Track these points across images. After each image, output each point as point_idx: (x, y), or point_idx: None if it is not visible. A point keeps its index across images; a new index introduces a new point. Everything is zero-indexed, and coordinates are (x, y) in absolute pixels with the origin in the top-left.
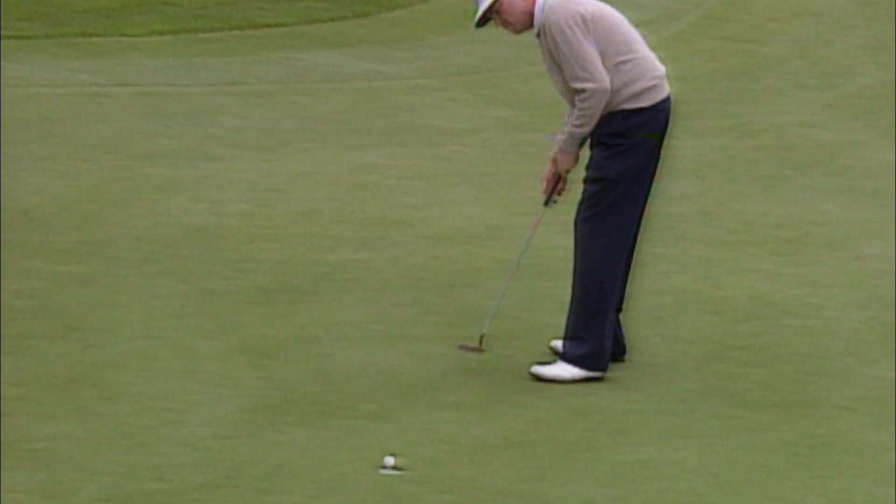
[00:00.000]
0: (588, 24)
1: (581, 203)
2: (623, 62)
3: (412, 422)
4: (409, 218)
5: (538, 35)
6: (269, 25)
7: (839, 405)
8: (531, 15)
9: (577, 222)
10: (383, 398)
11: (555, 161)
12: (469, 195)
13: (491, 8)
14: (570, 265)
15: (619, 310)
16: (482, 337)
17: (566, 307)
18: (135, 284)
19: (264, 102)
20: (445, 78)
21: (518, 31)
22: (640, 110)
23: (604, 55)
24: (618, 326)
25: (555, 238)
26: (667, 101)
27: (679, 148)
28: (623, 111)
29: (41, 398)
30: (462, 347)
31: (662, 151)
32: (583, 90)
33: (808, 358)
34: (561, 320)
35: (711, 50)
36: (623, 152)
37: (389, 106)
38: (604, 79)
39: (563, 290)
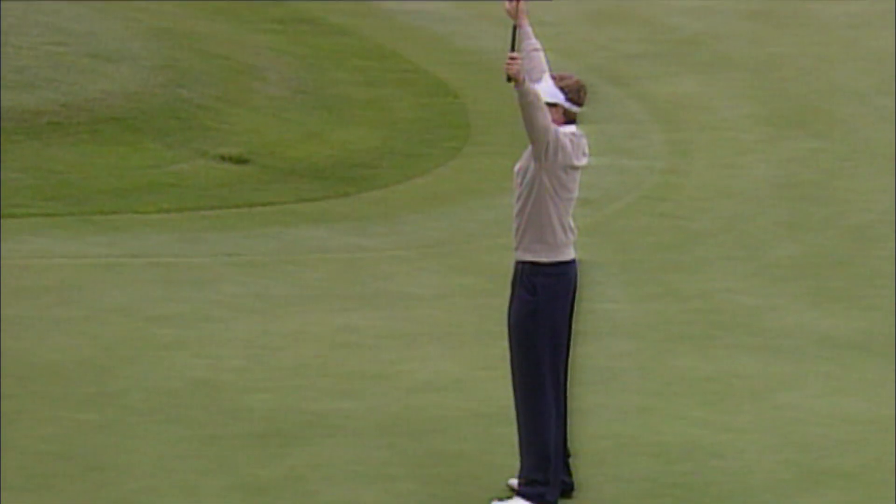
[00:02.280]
0: (569, 152)
1: (511, 360)
2: (566, 219)
3: None
4: (384, 372)
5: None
6: (262, 204)
7: None
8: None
9: (512, 376)
10: None
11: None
12: (437, 352)
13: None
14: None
15: (567, 455)
16: None
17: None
18: (145, 430)
19: (259, 271)
20: (417, 249)
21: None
22: (553, 265)
23: (559, 196)
24: (566, 469)
25: (510, 389)
26: (574, 262)
27: (620, 311)
28: (534, 264)
29: None
30: None
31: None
32: None
33: (733, 494)
34: (516, 462)
35: (648, 226)
36: (535, 310)
37: (368, 274)
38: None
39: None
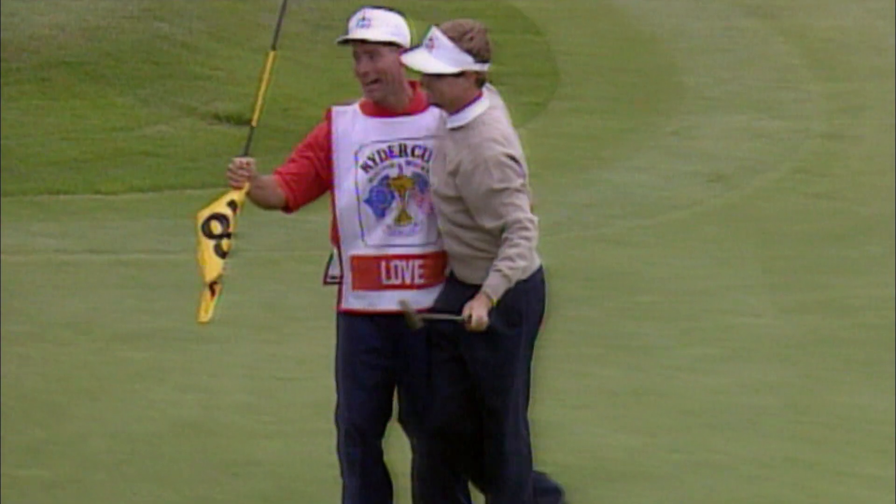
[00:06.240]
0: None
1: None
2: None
3: None
4: None
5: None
6: None
7: None
8: (462, 107)
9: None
10: None
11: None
12: None
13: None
14: None
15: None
16: None
17: None
18: (111, 492)
19: (267, 272)
20: None
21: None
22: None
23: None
24: None
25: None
26: (542, 270)
27: (763, 327)
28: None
29: None
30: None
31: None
32: (518, 221)
33: None
34: None
35: (801, 210)
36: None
37: None
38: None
39: None
